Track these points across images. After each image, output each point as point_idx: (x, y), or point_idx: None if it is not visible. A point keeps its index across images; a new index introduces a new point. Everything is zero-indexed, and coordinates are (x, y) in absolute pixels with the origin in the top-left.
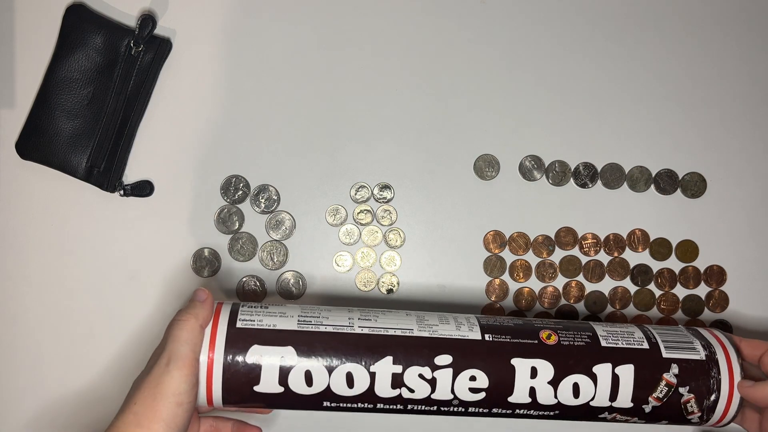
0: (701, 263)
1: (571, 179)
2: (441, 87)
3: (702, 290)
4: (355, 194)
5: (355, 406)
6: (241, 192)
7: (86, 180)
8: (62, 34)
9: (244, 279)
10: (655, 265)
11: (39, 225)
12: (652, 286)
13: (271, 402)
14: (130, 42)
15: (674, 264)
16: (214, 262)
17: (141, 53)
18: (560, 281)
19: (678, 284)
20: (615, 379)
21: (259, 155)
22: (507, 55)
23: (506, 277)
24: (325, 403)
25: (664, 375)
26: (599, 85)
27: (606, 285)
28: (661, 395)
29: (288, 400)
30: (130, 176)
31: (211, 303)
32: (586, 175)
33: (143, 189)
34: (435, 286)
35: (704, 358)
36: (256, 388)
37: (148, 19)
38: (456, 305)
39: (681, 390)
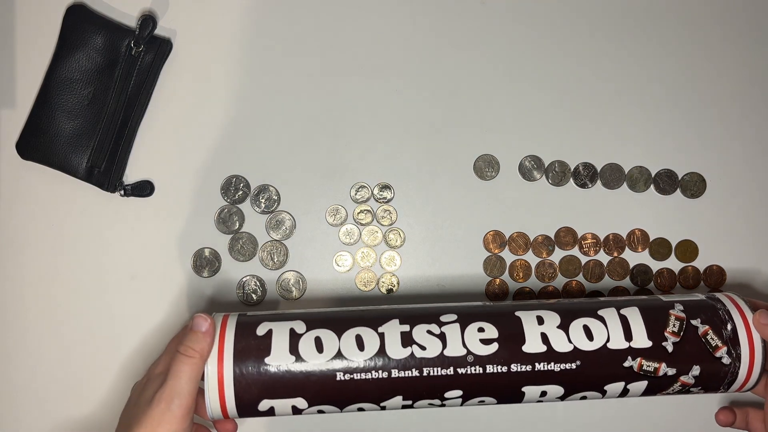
0: (701, 263)
1: (571, 179)
2: (441, 87)
3: (702, 290)
4: (355, 194)
5: (370, 377)
6: (241, 192)
7: (86, 180)
8: (63, 35)
9: (244, 279)
10: (655, 265)
11: (39, 225)
12: (651, 286)
13: (285, 385)
14: (131, 42)
15: (674, 264)
16: (214, 262)
17: (141, 53)
18: (560, 281)
19: (678, 284)
20: (624, 320)
21: (259, 155)
22: (507, 55)
23: (506, 277)
24: (338, 376)
25: (671, 311)
26: (599, 85)
27: (606, 285)
28: (675, 329)
29: (301, 376)
30: (131, 176)
31: (213, 332)
32: (585, 176)
33: (143, 189)
34: (435, 285)
35: (705, 298)
36: (268, 360)
37: (148, 20)
38: None
39: (694, 322)
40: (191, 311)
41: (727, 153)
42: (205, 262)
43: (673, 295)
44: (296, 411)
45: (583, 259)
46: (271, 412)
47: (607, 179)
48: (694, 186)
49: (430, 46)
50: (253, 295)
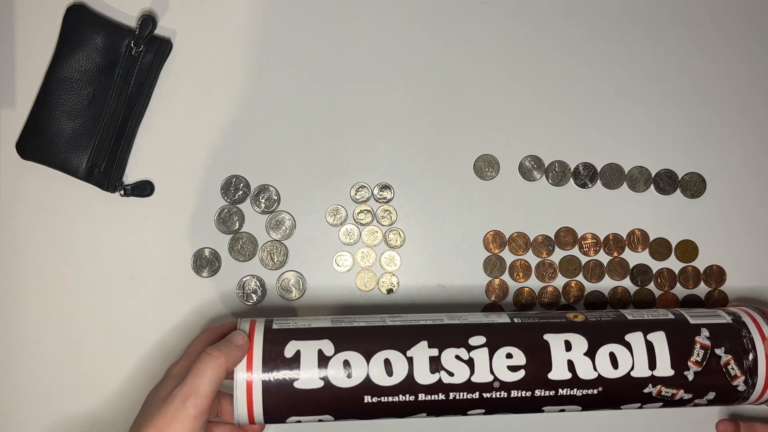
0: (701, 263)
1: (571, 179)
2: (441, 87)
3: (701, 290)
4: (355, 194)
5: (397, 399)
6: (241, 192)
7: (86, 180)
8: (62, 35)
9: (245, 279)
10: (655, 265)
11: (39, 225)
12: (651, 286)
13: (313, 405)
14: (131, 42)
15: (674, 264)
16: (214, 262)
17: (141, 53)
18: (560, 281)
19: (678, 284)
20: (650, 346)
21: (259, 155)
22: (507, 55)
23: (506, 277)
24: (366, 399)
25: (697, 338)
26: (599, 85)
27: (606, 285)
28: (699, 359)
29: (329, 397)
30: (131, 176)
31: (246, 349)
32: (585, 176)
33: (143, 189)
34: (435, 286)
35: (731, 322)
36: (297, 384)
37: (148, 20)
38: (456, 305)
39: (717, 351)
40: (191, 311)
41: (727, 153)
42: (205, 262)
43: (699, 314)
44: (322, 421)
45: (583, 259)
46: (297, 422)
47: (607, 179)
48: (694, 186)
49: (430, 46)
50: (253, 295)
